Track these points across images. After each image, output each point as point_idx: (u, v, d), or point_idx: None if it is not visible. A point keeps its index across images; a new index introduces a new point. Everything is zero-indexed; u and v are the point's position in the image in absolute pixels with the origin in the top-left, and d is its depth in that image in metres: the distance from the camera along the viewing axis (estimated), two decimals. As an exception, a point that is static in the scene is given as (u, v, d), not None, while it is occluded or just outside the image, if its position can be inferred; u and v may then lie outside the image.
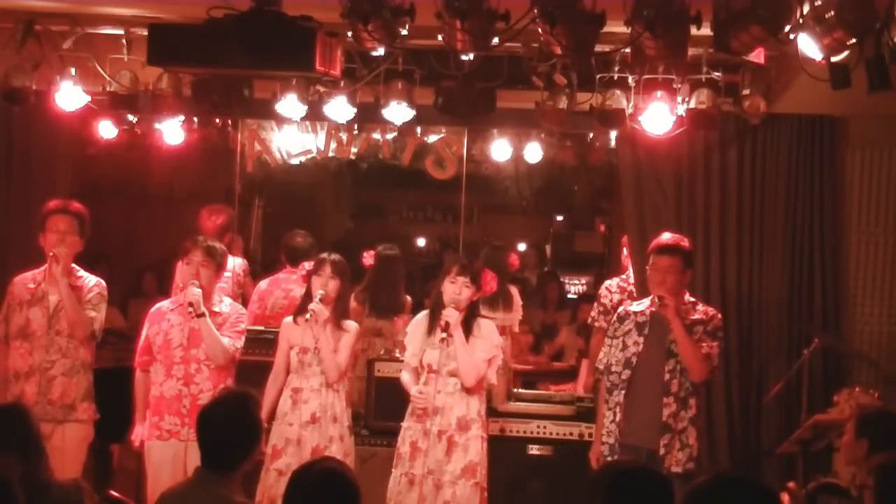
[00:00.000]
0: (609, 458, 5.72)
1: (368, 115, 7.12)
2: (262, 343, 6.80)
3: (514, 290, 7.85)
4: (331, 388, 6.06)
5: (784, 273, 6.99)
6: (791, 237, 6.99)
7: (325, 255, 6.26)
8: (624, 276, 7.38)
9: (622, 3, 4.49)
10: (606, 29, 4.66)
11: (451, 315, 5.86)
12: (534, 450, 6.92)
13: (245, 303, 7.35)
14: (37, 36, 6.72)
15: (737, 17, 4.48)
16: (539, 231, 12.21)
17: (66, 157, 7.41)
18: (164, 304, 6.23)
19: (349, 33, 5.05)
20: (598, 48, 4.97)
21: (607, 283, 7.50)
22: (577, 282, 11.74)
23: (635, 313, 5.99)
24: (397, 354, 6.75)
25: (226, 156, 9.24)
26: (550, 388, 8.12)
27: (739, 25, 4.48)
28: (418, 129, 8.71)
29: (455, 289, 5.92)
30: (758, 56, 5.92)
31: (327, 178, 10.76)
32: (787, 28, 4.43)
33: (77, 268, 6.25)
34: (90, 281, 6.26)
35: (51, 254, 6.10)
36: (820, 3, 4.30)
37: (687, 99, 6.43)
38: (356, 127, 8.61)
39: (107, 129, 8.13)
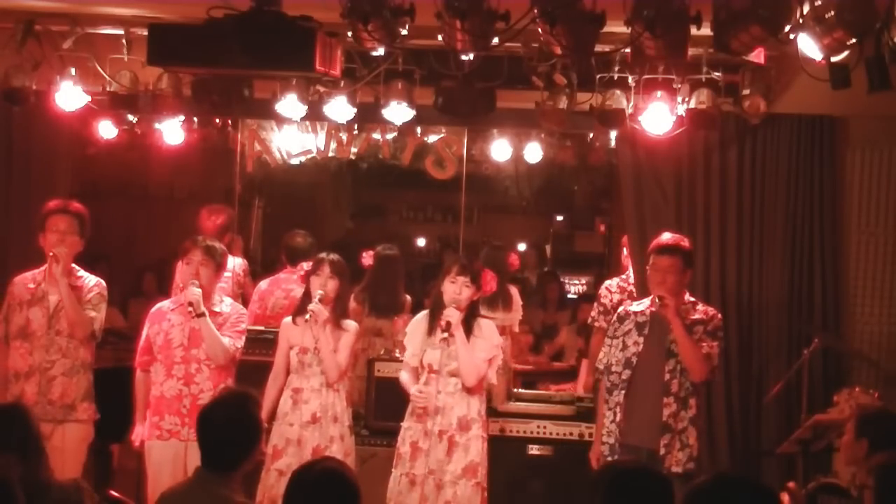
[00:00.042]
0: (609, 458, 5.72)
1: (368, 115, 7.12)
2: (262, 343, 6.80)
3: (514, 291, 7.85)
4: (331, 388, 6.06)
5: (784, 273, 6.99)
6: (791, 237, 6.99)
7: (323, 255, 6.26)
8: (624, 276, 7.38)
9: (622, 3, 4.49)
10: (606, 29, 4.66)
11: (453, 315, 5.86)
12: (534, 450, 6.92)
13: (245, 303, 7.35)
14: (37, 36, 6.72)
15: (737, 17, 4.48)
16: (539, 231, 12.21)
17: (66, 157, 7.41)
18: (165, 304, 6.23)
19: (349, 33, 5.05)
20: (598, 48, 4.97)
21: (607, 283, 7.50)
22: (577, 282, 11.74)
23: (635, 313, 5.99)
24: (397, 354, 6.75)
25: (226, 156, 9.24)
26: (551, 388, 8.11)
27: (739, 25, 4.48)
28: (418, 129, 8.71)
29: (455, 289, 5.92)
30: (758, 56, 5.93)
31: (327, 178, 10.76)
32: (787, 28, 4.43)
33: (77, 268, 6.25)
34: (90, 281, 6.26)
35: (51, 254, 6.10)
36: (820, 3, 4.30)
37: (687, 99, 6.43)
38: (356, 127, 8.61)
39: (107, 129, 8.13)
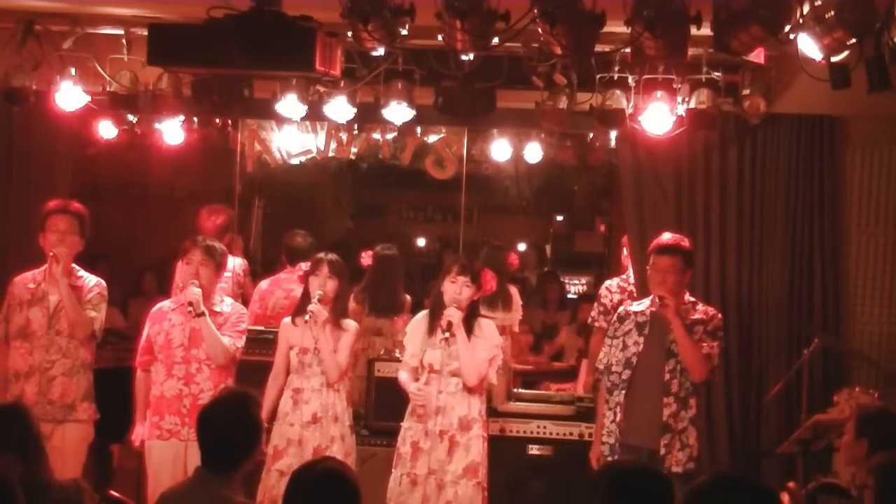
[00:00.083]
0: (610, 458, 5.72)
1: (368, 115, 7.13)
2: (262, 343, 6.80)
3: (514, 290, 7.85)
4: (331, 388, 6.06)
5: (784, 273, 6.99)
6: (791, 237, 6.99)
7: (321, 255, 6.25)
8: (624, 276, 7.38)
9: (622, 3, 4.49)
10: (606, 29, 4.66)
11: (454, 315, 5.86)
12: (534, 450, 6.92)
13: (245, 303, 7.35)
14: (37, 36, 6.72)
15: (737, 17, 4.48)
16: (539, 231, 12.21)
17: (66, 157, 7.41)
18: (166, 304, 6.23)
19: (349, 33, 5.05)
20: (598, 48, 4.97)
21: (607, 283, 7.50)
22: (577, 282, 11.73)
23: (635, 313, 5.99)
24: (397, 354, 6.75)
25: (226, 156, 9.24)
26: (552, 388, 8.11)
27: (739, 25, 4.48)
28: (418, 129, 8.71)
29: (456, 288, 5.92)
30: (758, 56, 5.92)
31: (327, 178, 10.76)
32: (787, 28, 4.43)
33: (77, 268, 6.25)
34: (90, 281, 6.26)
35: (51, 254, 6.10)
36: (820, 3, 4.30)
37: (687, 99, 6.43)
38: (356, 127, 8.61)
39: (107, 129, 8.13)
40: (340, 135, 8.83)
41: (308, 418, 6.01)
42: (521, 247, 11.48)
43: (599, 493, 3.37)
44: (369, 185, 11.31)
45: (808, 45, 4.42)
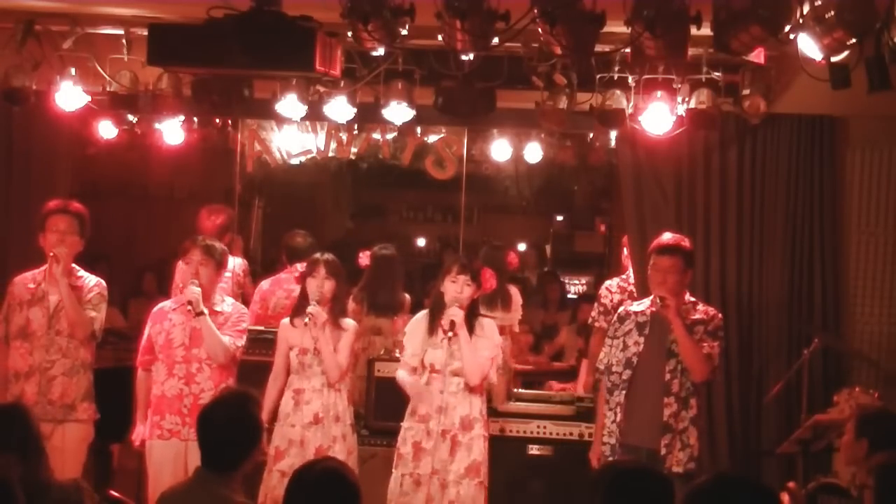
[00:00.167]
0: (611, 458, 5.72)
1: (368, 115, 7.12)
2: (262, 343, 6.80)
3: (514, 290, 7.85)
4: (332, 388, 6.06)
5: (784, 273, 6.99)
6: (791, 237, 6.99)
7: (317, 255, 6.24)
8: (624, 276, 7.38)
9: (622, 3, 4.49)
10: (606, 29, 4.66)
11: (457, 314, 5.86)
12: (534, 450, 6.91)
13: (245, 303, 7.34)
14: (37, 36, 6.72)
15: (737, 17, 4.48)
16: (539, 231, 12.21)
17: (66, 157, 7.41)
18: (167, 304, 6.24)
19: (349, 33, 5.05)
20: (598, 48, 4.97)
21: (607, 283, 7.50)
22: (577, 282, 11.73)
23: (636, 313, 5.98)
24: (397, 354, 6.74)
25: (226, 156, 9.25)
26: (554, 388, 8.11)
27: (739, 25, 4.48)
28: (418, 129, 8.71)
29: (457, 287, 5.92)
30: (758, 56, 5.92)
31: (327, 178, 10.76)
32: (787, 28, 4.42)
33: (77, 268, 6.25)
34: (90, 281, 6.26)
35: (51, 254, 6.10)
36: (820, 3, 4.30)
37: (687, 99, 6.43)
38: (356, 127, 8.62)
39: (107, 129, 8.13)
40: (340, 135, 8.84)
41: (309, 419, 6.01)
42: (521, 247, 11.47)
43: (599, 493, 3.37)
44: (369, 185, 11.30)
45: (808, 45, 4.42)
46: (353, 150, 8.94)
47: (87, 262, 6.48)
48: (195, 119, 8.49)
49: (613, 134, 7.55)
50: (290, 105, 6.80)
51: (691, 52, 5.22)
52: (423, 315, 6.13)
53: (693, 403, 5.81)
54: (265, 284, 7.78)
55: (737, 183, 7.01)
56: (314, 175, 10.06)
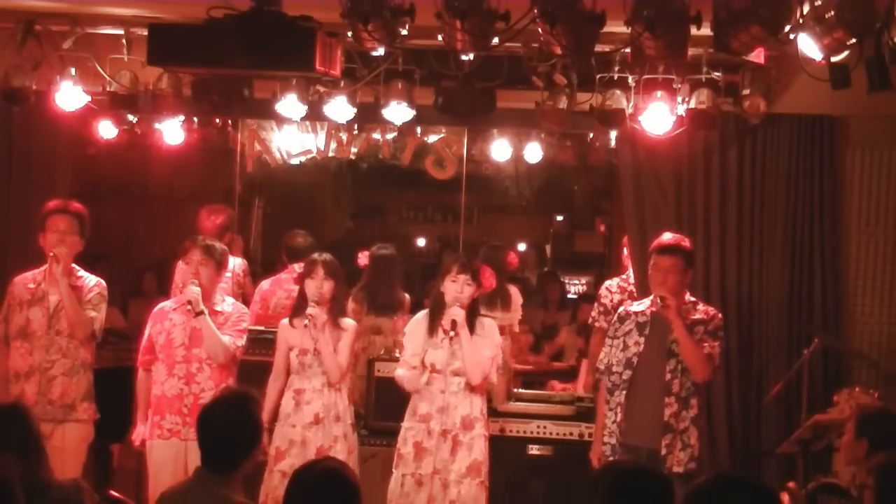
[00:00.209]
0: (612, 458, 5.72)
1: (368, 115, 7.12)
2: (263, 343, 6.80)
3: (514, 290, 7.85)
4: (333, 388, 6.06)
5: (784, 273, 6.99)
6: (791, 237, 6.99)
7: (315, 255, 6.23)
8: (624, 276, 7.38)
9: (622, 3, 4.49)
10: (606, 29, 4.66)
11: (458, 314, 5.86)
12: (534, 450, 6.91)
13: (245, 303, 7.35)
14: (37, 36, 6.72)
15: (737, 17, 4.48)
16: (539, 231, 12.21)
17: (66, 157, 7.41)
18: (167, 304, 6.24)
19: (349, 33, 5.05)
20: (598, 48, 4.97)
21: (607, 283, 7.50)
22: (577, 282, 11.73)
23: (636, 313, 5.98)
24: (397, 354, 6.74)
25: (226, 156, 9.25)
26: (556, 387, 8.11)
27: (739, 25, 4.48)
28: (418, 129, 8.71)
29: (457, 287, 5.92)
30: (758, 56, 5.92)
31: (327, 178, 10.77)
32: (787, 28, 4.42)
33: (77, 268, 6.25)
34: (90, 281, 6.26)
35: (51, 254, 6.10)
36: (820, 3, 4.30)
37: (687, 99, 6.43)
38: (356, 127, 8.62)
39: (107, 129, 8.13)
40: (340, 135, 8.84)
41: (310, 419, 6.01)
42: (521, 247, 11.48)
43: (600, 493, 3.37)
44: (369, 185, 11.31)
45: (808, 45, 4.42)
46: (353, 150, 8.94)
47: (87, 262, 6.48)
48: (195, 119, 8.49)
49: (613, 134, 7.55)
50: (290, 105, 6.80)
51: (691, 52, 5.22)
52: (423, 315, 6.13)
53: (694, 403, 5.81)
54: (265, 284, 7.78)
55: (737, 183, 7.01)
56: (314, 175, 10.07)
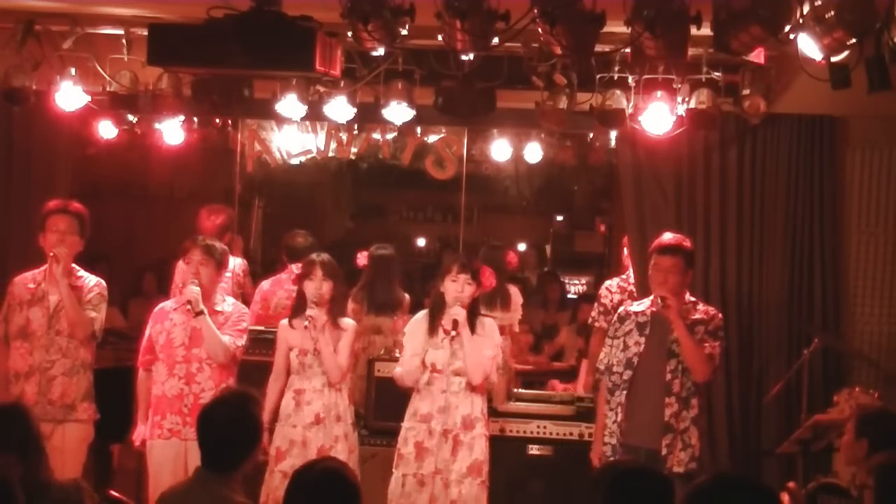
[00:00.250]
0: (612, 458, 5.71)
1: (368, 115, 7.12)
2: (263, 343, 6.80)
3: (514, 290, 7.85)
4: (333, 388, 6.06)
5: (784, 273, 6.99)
6: (791, 237, 6.99)
7: (313, 256, 6.23)
8: (624, 276, 7.38)
9: (622, 3, 4.49)
10: (606, 29, 4.66)
11: (460, 313, 5.86)
12: (534, 450, 6.91)
13: (245, 303, 7.34)
14: (37, 36, 6.72)
15: (737, 17, 4.48)
16: (539, 231, 12.21)
17: (66, 157, 7.41)
18: (168, 304, 6.24)
19: (349, 33, 5.05)
20: (598, 48, 4.97)
21: (607, 283, 7.50)
22: (577, 282, 11.73)
23: (636, 313, 5.98)
24: (397, 354, 6.74)
25: (226, 156, 9.25)
26: (557, 387, 8.11)
27: (739, 25, 4.48)
28: (418, 129, 8.72)
29: (458, 287, 5.92)
30: (758, 56, 5.92)
31: (327, 178, 10.77)
32: (787, 28, 4.42)
33: (77, 268, 6.25)
34: (90, 281, 6.26)
35: (51, 254, 6.10)
36: (820, 3, 4.30)
37: (687, 99, 6.43)
38: (356, 127, 8.62)
39: (107, 129, 8.14)
40: (340, 135, 8.84)
41: (311, 419, 6.01)
42: (521, 247, 11.48)
43: (600, 493, 3.37)
44: (369, 185, 11.31)
45: (808, 45, 4.42)
46: (353, 150, 8.95)
47: (87, 262, 6.48)
48: (195, 119, 8.49)
49: (613, 134, 7.56)
50: (290, 105, 6.80)
51: (691, 52, 5.22)
52: (422, 315, 6.13)
53: (694, 403, 5.81)
54: (266, 285, 7.79)
55: (737, 183, 7.01)
56: (314, 175, 10.07)
